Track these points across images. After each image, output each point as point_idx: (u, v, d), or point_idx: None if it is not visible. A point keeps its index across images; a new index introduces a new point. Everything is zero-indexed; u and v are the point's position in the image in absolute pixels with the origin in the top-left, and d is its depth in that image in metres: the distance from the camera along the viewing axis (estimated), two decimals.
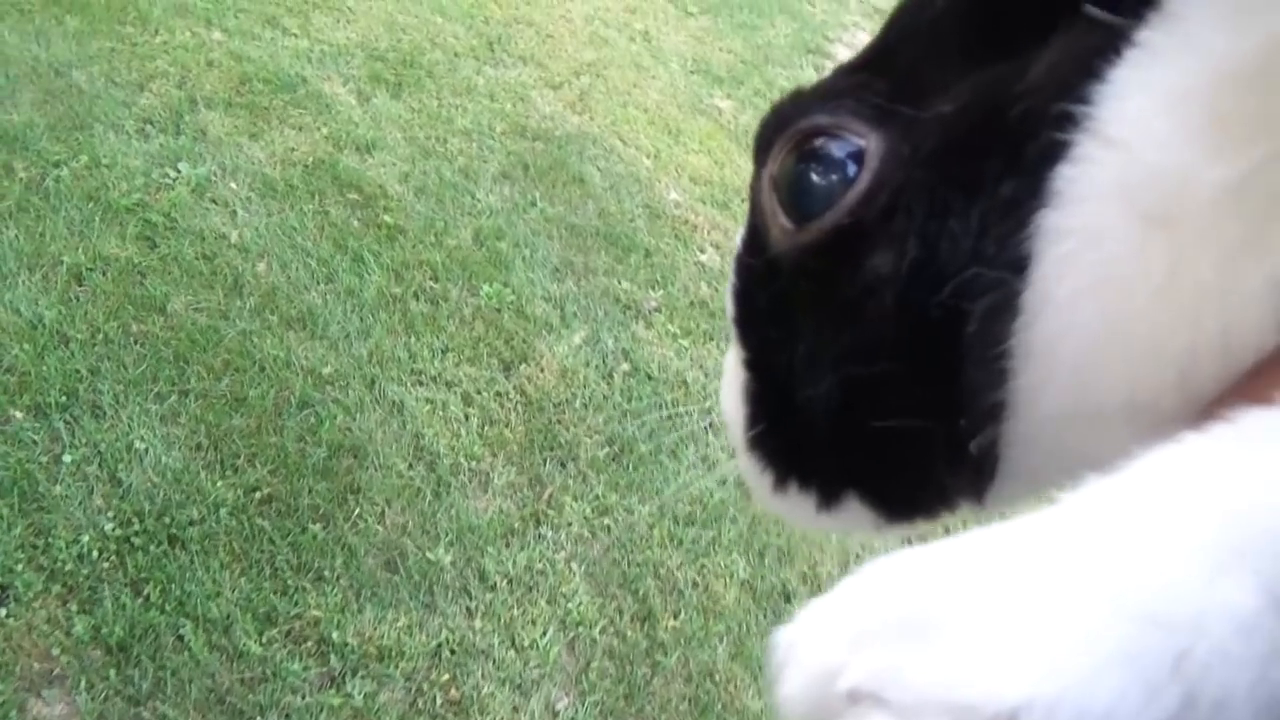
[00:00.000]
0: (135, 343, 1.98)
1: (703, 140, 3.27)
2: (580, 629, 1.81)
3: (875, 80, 0.33)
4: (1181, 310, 0.26)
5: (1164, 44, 0.26)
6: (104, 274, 2.09)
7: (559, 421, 2.16)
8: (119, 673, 1.52)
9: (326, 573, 1.73)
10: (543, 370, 2.25)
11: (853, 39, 4.35)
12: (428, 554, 1.82)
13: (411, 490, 1.92)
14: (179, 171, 2.39)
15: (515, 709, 1.68)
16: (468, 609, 1.78)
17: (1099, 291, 0.26)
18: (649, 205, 2.88)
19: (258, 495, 1.80)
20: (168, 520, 1.72)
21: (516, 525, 1.94)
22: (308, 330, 2.13)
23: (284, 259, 2.27)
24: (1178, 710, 0.18)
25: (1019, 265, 0.27)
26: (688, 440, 2.21)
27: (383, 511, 1.86)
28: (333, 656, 1.63)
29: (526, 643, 1.76)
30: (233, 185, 2.42)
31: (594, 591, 1.88)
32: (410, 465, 1.96)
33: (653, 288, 2.60)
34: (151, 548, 1.67)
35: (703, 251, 2.79)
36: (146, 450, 1.80)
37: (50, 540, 1.64)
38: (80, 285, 2.06)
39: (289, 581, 1.70)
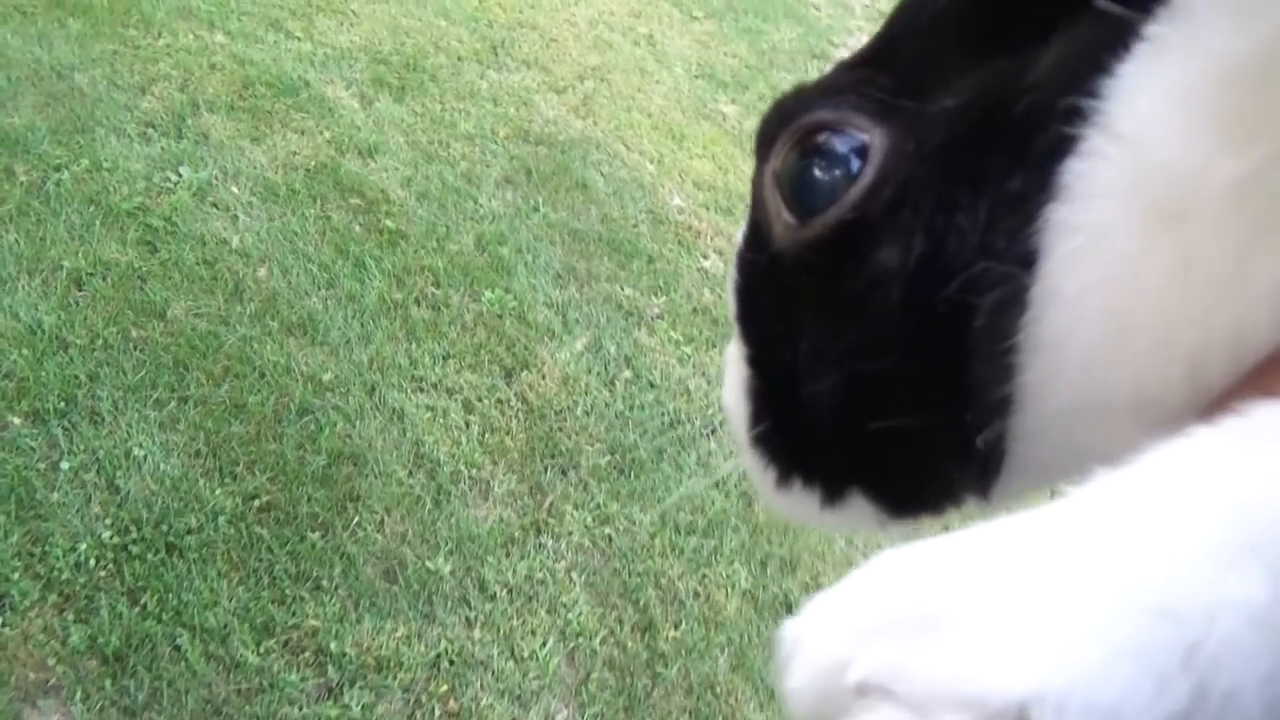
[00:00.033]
0: (135, 348, 1.97)
1: (706, 145, 3.25)
2: (580, 640, 1.80)
3: (878, 75, 0.32)
4: (1190, 306, 0.26)
5: (1173, 39, 0.25)
6: (104, 279, 2.08)
7: (560, 429, 2.14)
8: (115, 683, 1.51)
9: (325, 582, 1.72)
10: (544, 377, 2.24)
11: (857, 44, 4.33)
12: (427, 563, 1.81)
13: (411, 498, 1.91)
14: (180, 175, 2.38)
15: None
16: (467, 619, 1.76)
17: (1107, 287, 0.26)
18: (652, 211, 2.87)
19: (256, 503, 1.79)
20: (165, 528, 1.70)
21: (517, 534, 1.92)
22: (308, 336, 2.12)
23: (285, 264, 2.26)
24: (1188, 703, 0.18)
25: (1027, 260, 0.27)
26: (690, 448, 2.20)
27: (382, 520, 1.85)
28: (330, 667, 1.62)
29: (526, 653, 1.74)
30: (234, 189, 2.41)
31: (594, 601, 1.87)
32: (410, 473, 1.95)
33: (655, 294, 2.59)
34: (149, 556, 1.66)
35: (706, 258, 2.78)
36: (145, 457, 1.79)
37: (47, 548, 1.63)
38: (80, 290, 2.05)
39: (287, 591, 1.69)
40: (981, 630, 0.20)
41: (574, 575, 1.89)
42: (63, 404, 1.83)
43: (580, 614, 1.83)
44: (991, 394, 0.28)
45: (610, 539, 1.98)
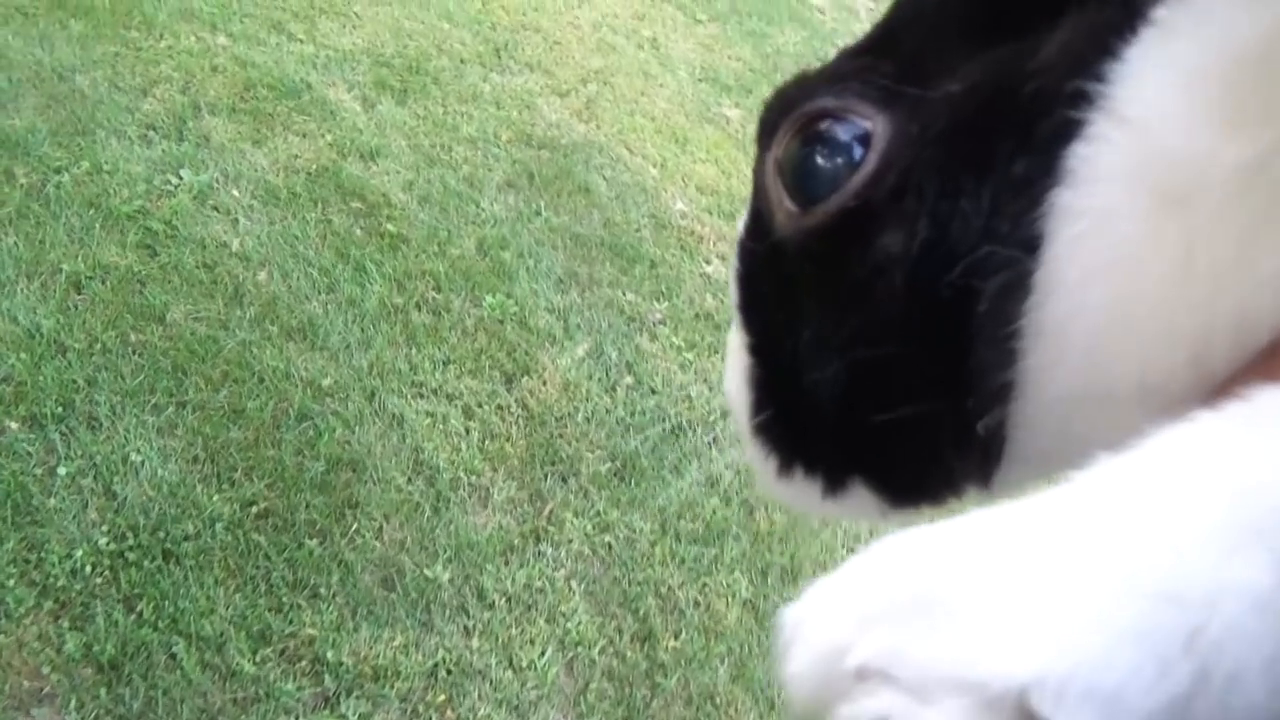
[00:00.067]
0: (133, 353, 1.96)
1: (710, 149, 3.24)
2: (579, 649, 1.79)
3: (881, 62, 0.32)
4: (1195, 292, 0.26)
5: (1181, 22, 0.25)
6: (103, 282, 2.07)
7: (560, 436, 2.13)
8: (110, 691, 1.50)
9: (322, 590, 1.71)
10: (545, 383, 2.23)
11: None
12: (425, 571, 1.80)
13: (410, 505, 1.89)
14: (181, 178, 2.37)
15: None
16: (465, 628, 1.75)
17: (1112, 272, 0.26)
18: (655, 215, 2.85)
19: (254, 510, 1.78)
20: (162, 535, 1.69)
21: (516, 542, 1.91)
22: (308, 341, 2.11)
23: (285, 268, 2.25)
24: (1190, 686, 0.18)
25: (1031, 244, 0.27)
26: (691, 456, 2.19)
27: (380, 527, 1.84)
28: (327, 676, 1.60)
29: (524, 663, 1.73)
30: (235, 192, 2.40)
31: (594, 610, 1.86)
32: (409, 480, 1.94)
33: (657, 300, 2.57)
34: (145, 563, 1.65)
35: (708, 263, 2.76)
36: (143, 463, 1.78)
37: (43, 555, 1.62)
38: (79, 294, 2.04)
39: (284, 599, 1.68)
40: (982, 615, 0.20)
41: (573, 584, 1.88)
42: (60, 409, 1.82)
43: (579, 623, 1.82)
44: (993, 379, 0.28)
45: (610, 547, 1.97)
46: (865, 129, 0.31)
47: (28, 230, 2.11)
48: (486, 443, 2.06)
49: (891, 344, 0.30)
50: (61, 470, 1.74)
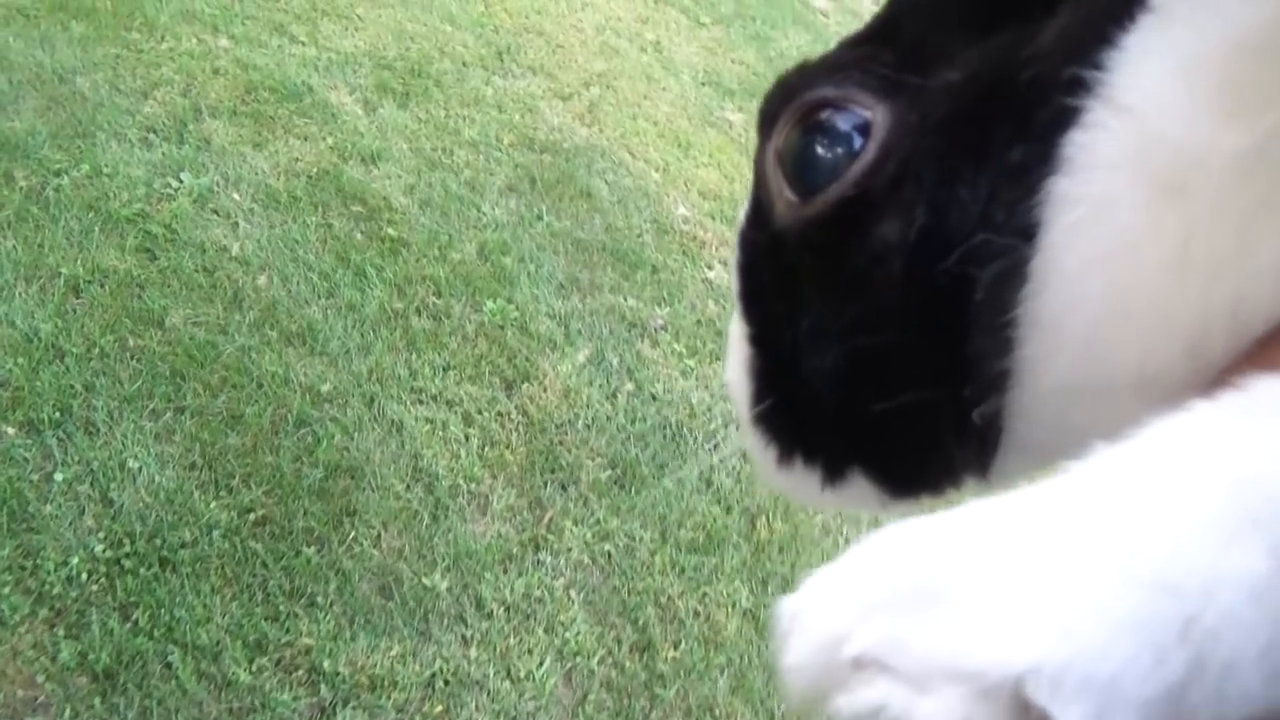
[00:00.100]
0: (132, 357, 1.95)
1: (713, 154, 3.23)
2: (578, 659, 1.77)
3: (881, 51, 0.32)
4: (1192, 281, 0.25)
5: (1178, 10, 0.25)
6: (102, 286, 2.06)
7: (561, 443, 2.12)
8: (104, 701, 1.49)
9: (319, 598, 1.70)
10: (545, 390, 2.21)
11: None
12: (423, 579, 1.78)
13: (409, 513, 1.88)
14: (181, 181, 2.36)
15: None
16: (463, 637, 1.74)
17: (1109, 261, 0.26)
18: (657, 220, 2.84)
19: (251, 517, 1.77)
20: (159, 542, 1.68)
21: (515, 550, 1.90)
22: (307, 346, 2.10)
23: (285, 272, 2.24)
24: (1186, 674, 0.18)
25: (1028, 232, 0.27)
26: (692, 464, 2.17)
27: (379, 535, 1.83)
28: (323, 686, 1.59)
29: (523, 673, 1.72)
30: (235, 196, 2.39)
31: (593, 620, 1.84)
32: (408, 487, 1.93)
33: (659, 305, 2.56)
34: (142, 571, 1.64)
35: (710, 268, 2.75)
36: (140, 469, 1.77)
37: (39, 562, 1.61)
38: (78, 297, 2.03)
39: (281, 607, 1.66)
40: (979, 604, 0.20)
41: (572, 593, 1.87)
42: (58, 414, 1.81)
43: (578, 633, 1.81)
44: (990, 368, 0.28)
45: (610, 556, 1.95)
46: (865, 118, 0.31)
47: (26, 233, 2.10)
48: (486, 450, 2.05)
49: (890, 333, 0.30)
50: (58, 476, 1.73)
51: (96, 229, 2.16)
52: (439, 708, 1.63)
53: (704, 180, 3.08)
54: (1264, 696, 0.19)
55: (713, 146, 3.27)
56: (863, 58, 0.33)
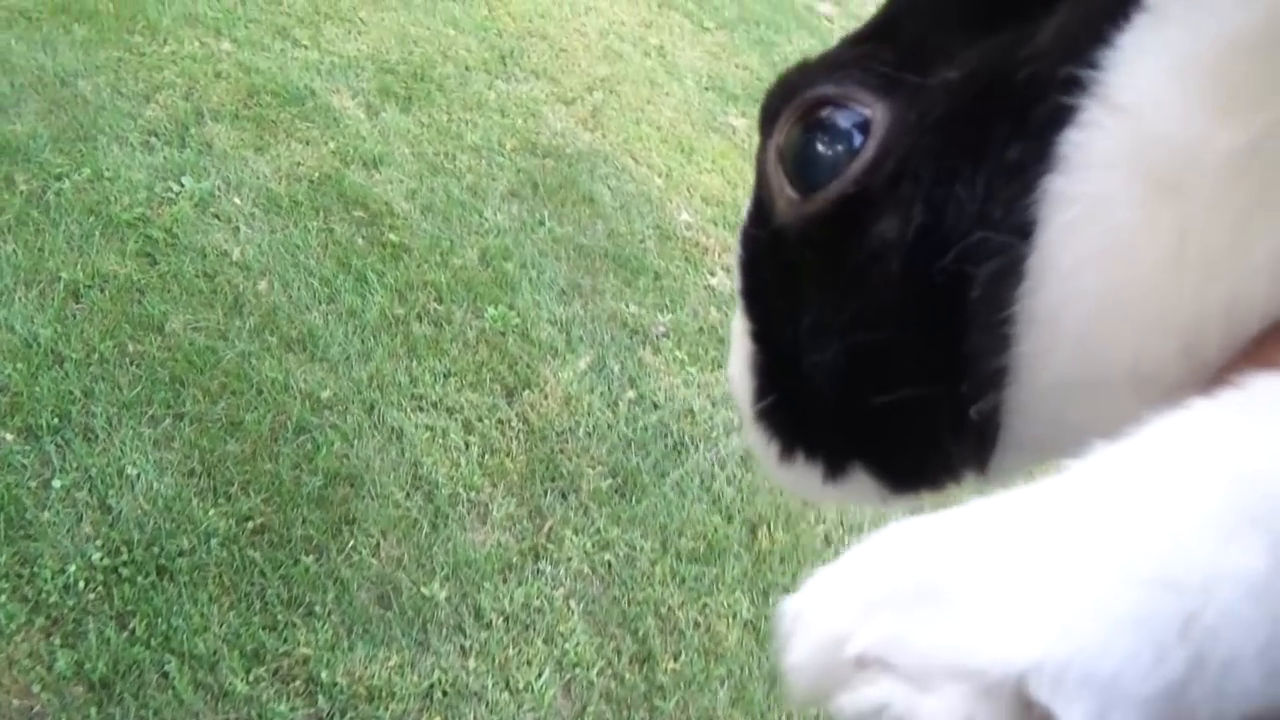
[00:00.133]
0: (131, 363, 1.94)
1: (716, 159, 3.22)
2: (577, 670, 1.76)
3: (881, 50, 0.33)
4: (1187, 279, 0.26)
5: (1173, 9, 0.25)
6: (102, 291, 2.05)
7: (561, 451, 2.11)
8: (100, 711, 1.48)
9: (317, 608, 1.69)
10: (546, 397, 2.20)
11: None
12: (422, 589, 1.77)
13: (408, 521, 1.87)
14: (182, 185, 2.36)
15: None
16: (462, 648, 1.73)
17: (1104, 259, 0.26)
18: (659, 226, 2.83)
19: (250, 525, 1.76)
20: (157, 550, 1.67)
21: (515, 560, 1.89)
22: (308, 352, 2.09)
23: (286, 278, 2.23)
24: (1185, 671, 0.19)
25: (1024, 230, 0.27)
26: (693, 473, 2.16)
27: (378, 543, 1.82)
28: (321, 697, 1.58)
29: (521, 684, 1.71)
30: (236, 200, 2.38)
31: (592, 631, 1.83)
32: (408, 495, 1.92)
33: (661, 312, 2.55)
34: (139, 579, 1.63)
35: (713, 275, 2.74)
36: (138, 476, 1.76)
37: (36, 569, 1.60)
38: (77, 303, 2.02)
39: (279, 617, 1.66)
40: (980, 603, 0.20)
41: (572, 603, 1.85)
42: (56, 420, 1.80)
43: (578, 644, 1.79)
44: (987, 364, 0.28)
45: (610, 565, 1.94)
46: (865, 116, 0.32)
47: (27, 238, 2.09)
48: (486, 458, 2.04)
49: (889, 329, 0.31)
50: (56, 483, 1.72)
51: (97, 233, 2.16)
52: (437, 719, 1.62)
53: (707, 186, 3.07)
54: (1264, 694, 0.19)
55: (716, 152, 3.26)
56: (863, 56, 0.33)
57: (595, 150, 3.04)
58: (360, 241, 2.40)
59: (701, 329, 2.55)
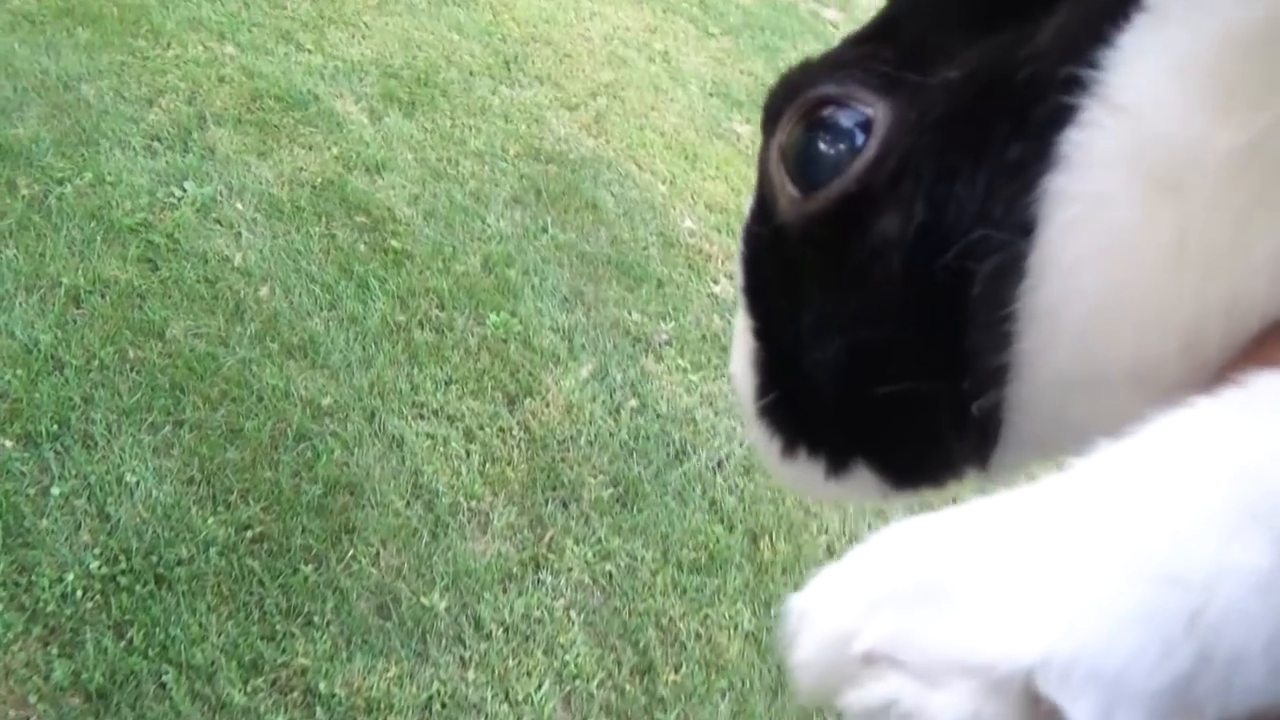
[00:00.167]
0: (131, 369, 1.93)
1: (720, 166, 3.21)
2: (577, 682, 1.75)
3: (882, 50, 0.33)
4: (1187, 278, 0.26)
5: (1173, 9, 0.25)
6: (103, 296, 2.05)
7: (563, 460, 2.10)
8: None
9: (316, 618, 1.67)
10: (548, 405, 2.19)
11: None
12: (422, 599, 1.76)
13: (408, 530, 1.86)
14: (184, 190, 2.35)
15: None
16: (461, 659, 1.72)
17: (1104, 258, 0.26)
18: (663, 233, 2.82)
19: (249, 534, 1.75)
20: (155, 559, 1.66)
21: (515, 570, 1.88)
22: (308, 359, 2.08)
23: (287, 283, 2.22)
24: (1192, 667, 0.19)
25: (1025, 228, 0.27)
26: (695, 482, 2.15)
27: (377, 553, 1.81)
28: (319, 708, 1.57)
29: (521, 696, 1.70)
30: (238, 205, 2.37)
31: (593, 642, 1.82)
32: (408, 504, 1.91)
33: (664, 320, 2.54)
34: (137, 588, 1.62)
35: (716, 282, 2.73)
36: (137, 484, 1.76)
37: (33, 578, 1.59)
38: (78, 308, 2.02)
39: (277, 626, 1.64)
40: (987, 599, 0.20)
41: (572, 614, 1.84)
42: (56, 426, 1.80)
43: (578, 655, 1.78)
44: (988, 362, 0.29)
45: (611, 576, 1.93)
46: (867, 115, 0.32)
47: (28, 242, 2.09)
48: (487, 466, 2.03)
49: (890, 326, 0.31)
50: (55, 490, 1.71)
51: (98, 238, 2.15)
52: None
53: (711, 193, 3.06)
54: (1269, 689, 0.19)
55: (720, 159, 3.25)
56: (864, 56, 0.33)
57: (599, 156, 3.03)
58: (362, 247, 2.39)
59: (704, 337, 2.53)
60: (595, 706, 1.73)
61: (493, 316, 2.34)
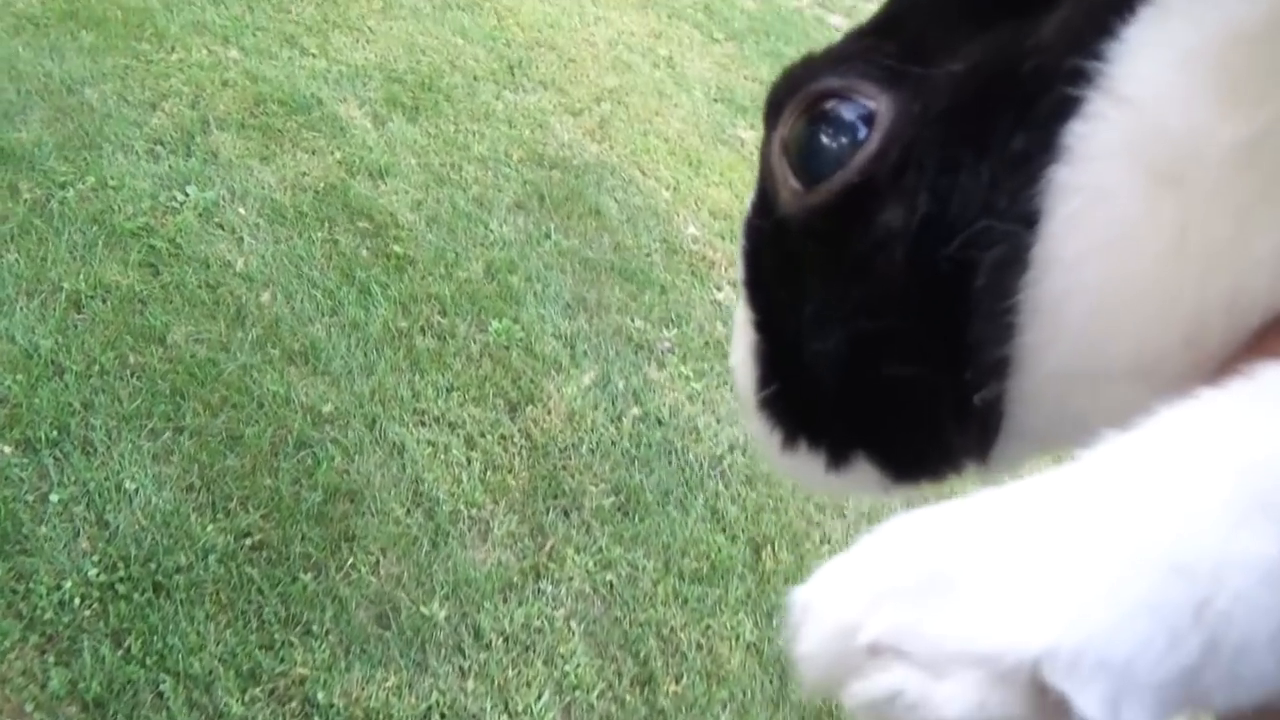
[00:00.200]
0: (132, 375, 1.93)
1: (723, 172, 3.20)
2: (577, 693, 1.74)
3: (885, 43, 0.33)
4: (1190, 271, 0.26)
5: (1177, 2, 0.26)
6: (104, 301, 2.04)
7: (564, 468, 2.09)
8: None
9: (315, 627, 1.66)
10: (550, 412, 2.18)
11: None
12: (421, 608, 1.75)
13: (408, 539, 1.85)
14: (187, 195, 2.35)
15: None
16: (460, 669, 1.70)
17: (1107, 250, 0.27)
18: (666, 240, 2.81)
19: (248, 541, 1.74)
20: (154, 566, 1.66)
21: (515, 579, 1.86)
22: (310, 365, 2.08)
23: (289, 289, 2.22)
24: (1199, 657, 0.19)
25: (1029, 220, 0.27)
26: (697, 491, 2.14)
27: (377, 561, 1.80)
28: (317, 718, 1.56)
29: (520, 707, 1.68)
30: (241, 210, 2.37)
31: (593, 652, 1.81)
32: (408, 512, 1.90)
33: (667, 327, 2.53)
34: (135, 596, 1.61)
35: (719, 289, 2.72)
36: (136, 491, 1.75)
37: (31, 585, 1.58)
38: (79, 313, 2.01)
39: (276, 635, 1.63)
40: (994, 589, 0.20)
41: (573, 624, 1.83)
42: (55, 433, 1.79)
43: (578, 665, 1.77)
44: (990, 353, 0.29)
45: (611, 585, 1.92)
46: (869, 108, 0.32)
47: (29, 247, 2.08)
48: (488, 474, 2.02)
49: (892, 318, 0.31)
50: (53, 497, 1.70)
51: (100, 243, 2.14)
52: None
53: (714, 200, 3.05)
54: (1276, 679, 0.19)
55: (724, 165, 3.24)
56: (867, 49, 0.33)
57: (602, 162, 3.02)
58: (365, 253, 2.39)
59: (707, 344, 2.52)
60: (595, 717, 1.72)
61: (495, 323, 2.33)
